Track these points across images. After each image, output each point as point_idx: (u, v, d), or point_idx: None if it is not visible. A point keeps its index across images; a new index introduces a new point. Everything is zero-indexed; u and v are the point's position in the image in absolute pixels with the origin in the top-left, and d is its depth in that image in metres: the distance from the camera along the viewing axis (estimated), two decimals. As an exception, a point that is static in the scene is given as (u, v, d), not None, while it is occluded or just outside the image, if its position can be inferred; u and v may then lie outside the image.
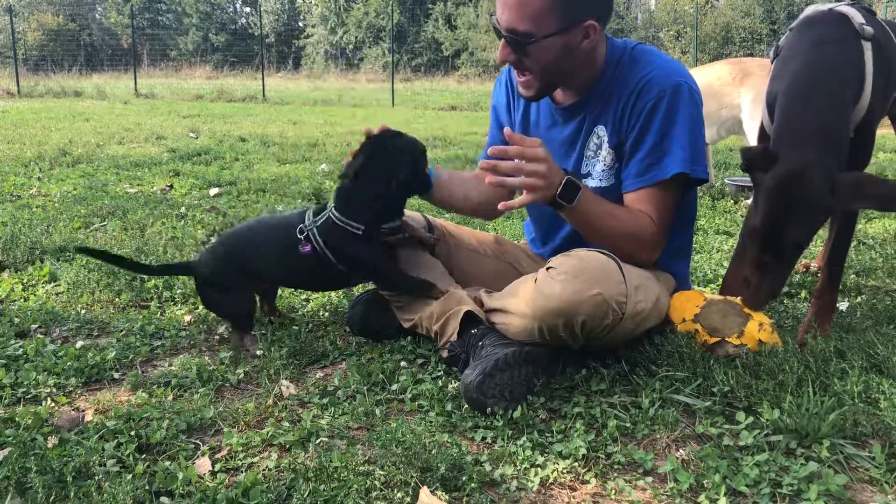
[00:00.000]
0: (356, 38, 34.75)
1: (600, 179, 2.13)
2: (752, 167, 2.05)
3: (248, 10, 41.84)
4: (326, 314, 2.67)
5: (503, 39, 1.98)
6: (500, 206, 1.83)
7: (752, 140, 4.66)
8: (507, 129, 1.86)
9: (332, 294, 2.86)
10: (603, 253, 1.94)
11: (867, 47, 2.11)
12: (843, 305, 2.62)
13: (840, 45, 2.13)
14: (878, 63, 2.13)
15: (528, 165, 1.82)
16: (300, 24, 39.55)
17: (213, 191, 5.14)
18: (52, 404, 1.96)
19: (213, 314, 2.55)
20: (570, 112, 2.17)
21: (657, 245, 2.11)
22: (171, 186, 5.33)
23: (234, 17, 42.07)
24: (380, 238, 2.29)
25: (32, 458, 1.62)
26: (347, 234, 2.25)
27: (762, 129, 2.31)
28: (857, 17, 2.15)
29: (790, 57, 2.21)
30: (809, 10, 2.36)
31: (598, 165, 2.14)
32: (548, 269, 1.93)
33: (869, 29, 2.12)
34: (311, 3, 38.28)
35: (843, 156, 2.03)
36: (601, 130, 2.12)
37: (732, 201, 4.83)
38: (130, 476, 1.56)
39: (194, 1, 39.47)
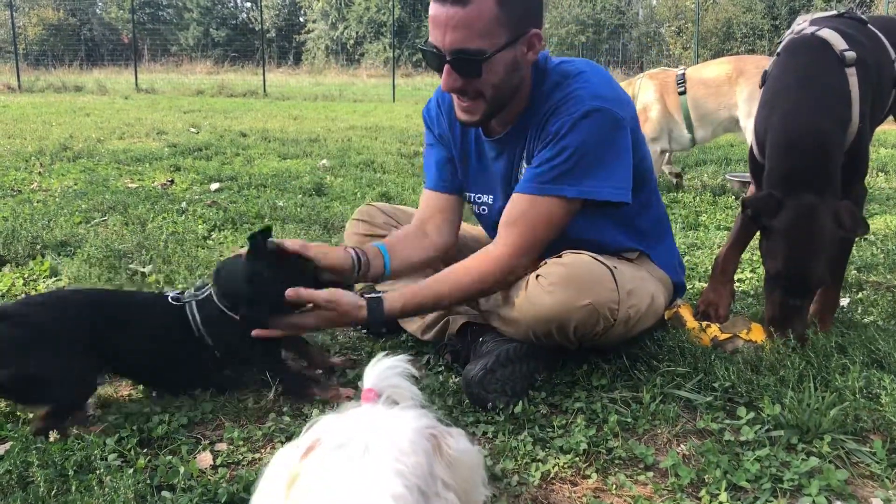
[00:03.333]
0: (357, 33, 34.68)
1: None
2: (760, 214, 2.12)
3: (248, 5, 41.78)
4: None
5: (447, 65, 1.85)
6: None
7: (749, 138, 4.67)
8: (290, 293, 1.80)
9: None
10: (594, 258, 1.90)
11: (851, 73, 2.13)
12: (844, 301, 2.61)
13: (823, 79, 2.16)
14: (864, 87, 2.15)
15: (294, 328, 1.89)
16: (301, 19, 39.47)
17: (214, 186, 5.14)
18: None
19: None
20: (501, 145, 2.06)
21: (516, 267, 1.95)
22: (172, 181, 5.33)
23: (234, 12, 42.00)
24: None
25: (34, 452, 1.62)
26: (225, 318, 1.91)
27: (752, 156, 2.33)
28: (838, 44, 2.16)
29: (777, 91, 2.24)
30: (796, 28, 2.36)
31: None
32: (537, 276, 1.90)
33: (851, 54, 2.13)
34: (311, -2, 38.23)
35: (836, 187, 2.10)
36: (524, 163, 2.02)
37: (733, 197, 4.83)
38: (132, 470, 1.57)
39: (195, -4, 39.39)
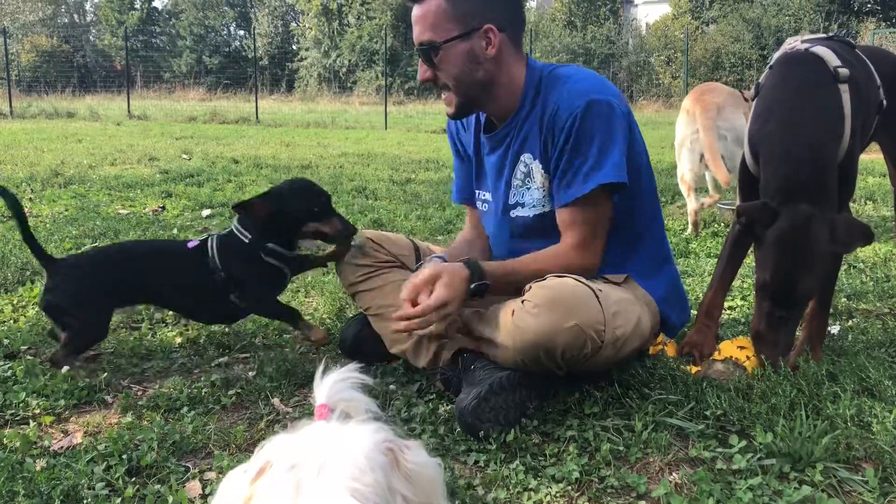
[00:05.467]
0: (349, 61, 34.94)
1: (534, 206, 2.12)
2: (754, 222, 2.11)
3: (241, 33, 42.05)
4: (319, 336, 2.65)
5: (420, 58, 2.07)
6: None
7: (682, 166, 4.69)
8: (403, 292, 1.95)
9: (325, 316, 2.85)
10: (577, 280, 1.91)
11: (844, 90, 2.16)
12: (834, 329, 2.62)
13: (818, 93, 2.19)
14: (856, 103, 2.18)
15: (437, 313, 1.90)
16: (294, 47, 39.77)
17: (206, 212, 5.14)
18: (41, 426, 1.94)
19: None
20: (496, 140, 2.18)
21: (584, 263, 2.05)
22: (164, 208, 5.33)
23: (227, 39, 42.28)
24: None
25: (20, 480, 1.60)
26: (239, 245, 2.38)
27: (744, 168, 2.33)
28: (832, 60, 2.20)
29: (771, 103, 2.26)
30: (787, 48, 2.40)
31: (533, 194, 2.12)
32: (523, 301, 1.90)
33: (844, 71, 2.17)
34: (304, 26, 38.53)
35: (834, 200, 2.10)
36: (528, 159, 2.11)
37: (723, 225, 4.86)
38: (120, 499, 1.55)
39: (188, 23, 39.67)
